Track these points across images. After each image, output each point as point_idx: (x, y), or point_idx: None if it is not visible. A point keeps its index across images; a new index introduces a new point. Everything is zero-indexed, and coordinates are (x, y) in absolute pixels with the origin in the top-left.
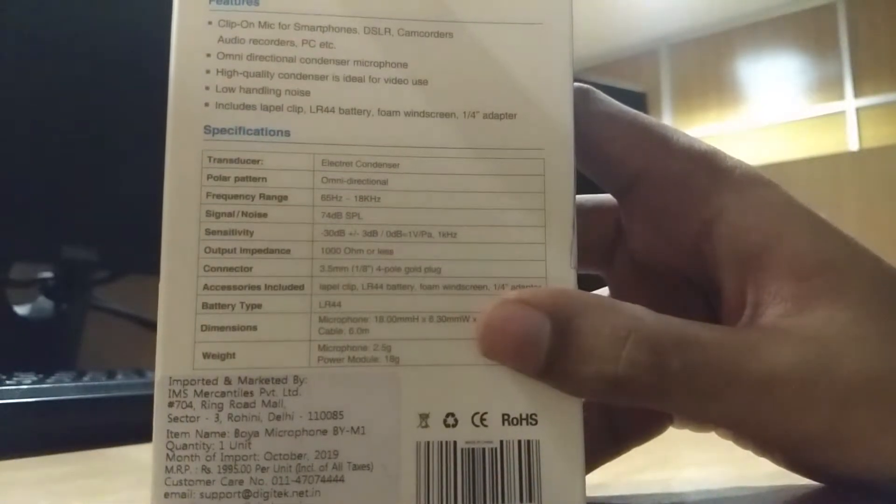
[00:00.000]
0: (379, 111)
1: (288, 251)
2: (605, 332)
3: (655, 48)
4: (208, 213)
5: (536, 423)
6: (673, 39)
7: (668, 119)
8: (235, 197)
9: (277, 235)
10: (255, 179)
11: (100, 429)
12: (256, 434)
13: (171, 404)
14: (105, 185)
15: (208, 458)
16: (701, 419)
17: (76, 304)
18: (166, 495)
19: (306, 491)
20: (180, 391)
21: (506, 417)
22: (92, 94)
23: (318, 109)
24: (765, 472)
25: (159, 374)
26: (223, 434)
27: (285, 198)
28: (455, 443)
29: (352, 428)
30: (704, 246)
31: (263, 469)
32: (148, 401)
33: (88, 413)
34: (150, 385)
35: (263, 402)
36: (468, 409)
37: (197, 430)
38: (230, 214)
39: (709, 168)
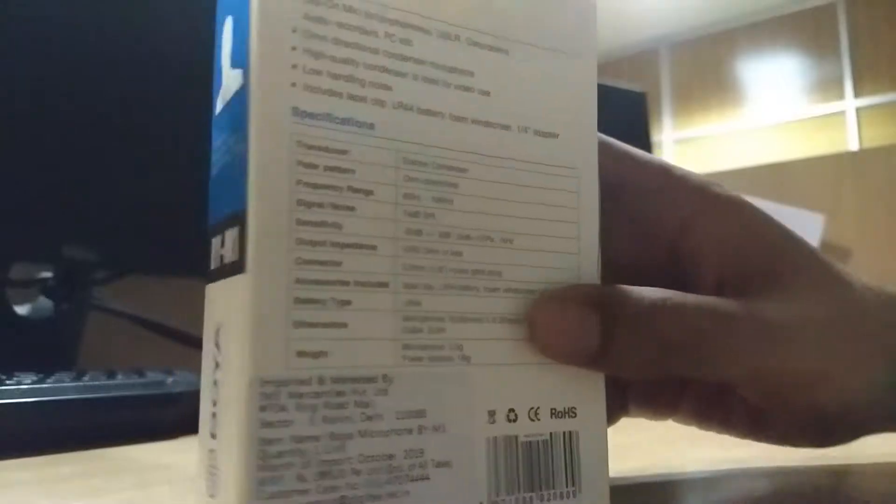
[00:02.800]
0: (451, 115)
1: (374, 247)
2: (646, 314)
3: (655, 48)
4: (300, 203)
5: (576, 416)
6: (673, 39)
7: (668, 119)
8: (325, 187)
9: (365, 230)
10: (343, 171)
11: (100, 429)
12: (350, 436)
13: (262, 408)
14: (105, 185)
15: (304, 466)
16: (728, 375)
17: (76, 304)
18: None
19: (396, 492)
20: (273, 393)
21: (553, 411)
22: (92, 93)
23: (399, 106)
24: (765, 473)
25: (248, 375)
26: (318, 438)
27: (371, 192)
28: (517, 437)
29: (434, 426)
30: (682, 244)
31: (357, 472)
32: (147, 401)
33: (88, 413)
34: (150, 385)
35: (356, 402)
36: (525, 405)
37: (292, 436)
38: (320, 205)
39: (670, 177)
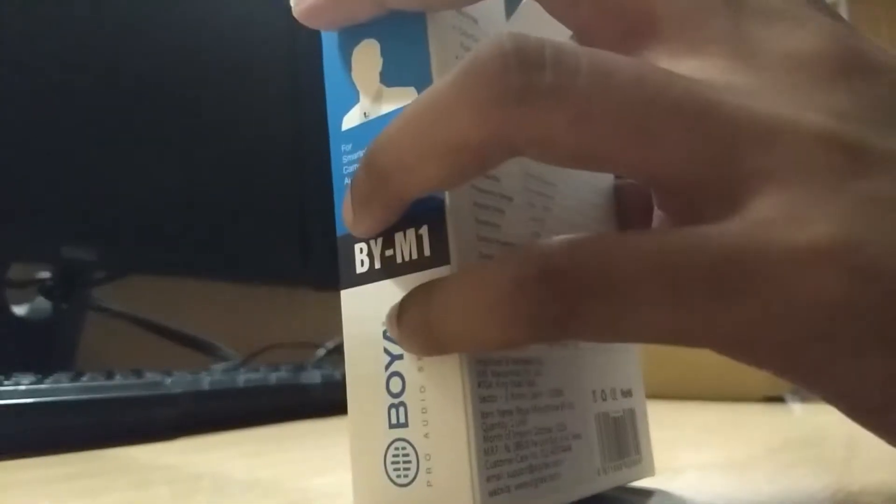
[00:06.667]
0: None
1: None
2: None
3: None
4: (476, 205)
5: (632, 396)
6: None
7: None
8: (487, 192)
9: (512, 230)
10: (494, 178)
11: (98, 429)
12: (528, 411)
13: (480, 384)
14: (105, 185)
15: (507, 437)
16: None
17: (74, 304)
18: (489, 479)
19: (557, 461)
20: (483, 371)
21: (622, 392)
22: (91, 92)
23: None
24: (765, 475)
25: (466, 355)
26: (511, 412)
27: (512, 199)
28: (608, 413)
29: (570, 403)
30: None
31: (535, 443)
32: (145, 402)
33: (87, 413)
34: (148, 386)
35: (527, 381)
36: (609, 386)
37: (497, 410)
38: (487, 207)
39: None
